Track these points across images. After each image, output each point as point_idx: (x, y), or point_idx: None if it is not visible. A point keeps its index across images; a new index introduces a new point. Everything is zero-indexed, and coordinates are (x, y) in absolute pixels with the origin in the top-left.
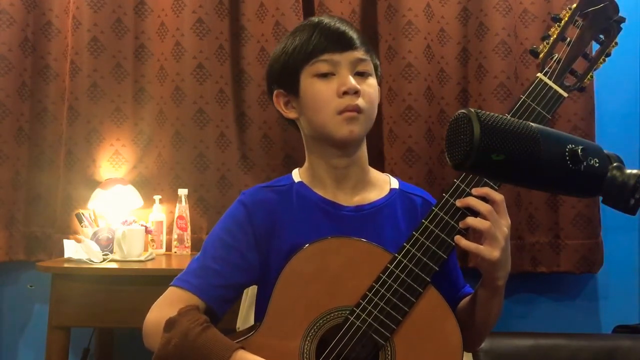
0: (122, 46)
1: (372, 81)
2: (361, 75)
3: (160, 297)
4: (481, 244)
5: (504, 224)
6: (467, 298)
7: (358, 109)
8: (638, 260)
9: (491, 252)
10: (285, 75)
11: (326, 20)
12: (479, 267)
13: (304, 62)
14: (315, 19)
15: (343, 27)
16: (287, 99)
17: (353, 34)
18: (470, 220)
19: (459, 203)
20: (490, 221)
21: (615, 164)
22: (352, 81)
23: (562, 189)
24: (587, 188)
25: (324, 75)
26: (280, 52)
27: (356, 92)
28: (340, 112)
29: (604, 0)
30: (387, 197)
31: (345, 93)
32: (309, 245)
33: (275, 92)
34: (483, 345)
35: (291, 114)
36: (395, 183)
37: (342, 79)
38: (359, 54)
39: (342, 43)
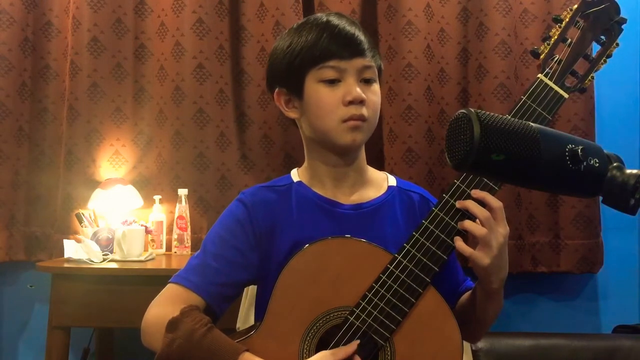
0: (122, 46)
1: (376, 87)
2: (366, 82)
3: (160, 294)
4: (475, 249)
5: (501, 233)
6: (467, 294)
7: (363, 118)
8: (638, 260)
9: (482, 258)
10: (289, 76)
11: (335, 20)
12: (473, 270)
13: (310, 65)
14: (323, 17)
15: (352, 31)
16: (289, 98)
17: (361, 38)
18: (468, 224)
19: (458, 205)
20: (487, 228)
21: (615, 164)
22: (358, 90)
23: (562, 189)
24: (587, 188)
25: (330, 82)
26: (284, 51)
27: (361, 102)
28: (345, 121)
29: (604, 1)
30: (385, 195)
31: (350, 102)
32: (309, 245)
33: (276, 90)
34: (483, 345)
35: (292, 114)
36: (392, 181)
37: (348, 88)
38: (366, 60)
39: (350, 49)
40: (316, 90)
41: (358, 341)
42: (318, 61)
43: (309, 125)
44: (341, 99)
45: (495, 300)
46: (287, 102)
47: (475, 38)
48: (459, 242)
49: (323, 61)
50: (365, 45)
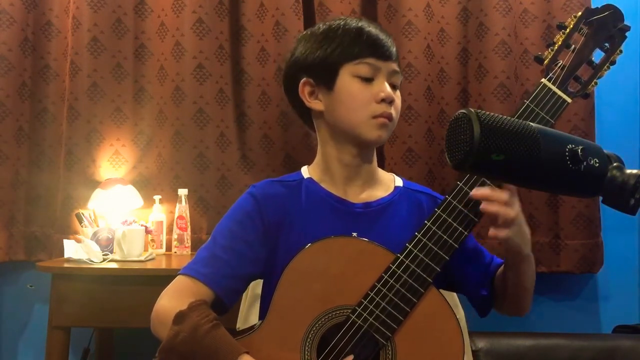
0: (122, 46)
1: (399, 94)
2: (393, 87)
3: (170, 285)
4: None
5: (518, 208)
6: (501, 271)
7: (390, 117)
8: (638, 260)
9: (516, 235)
10: (322, 67)
11: (367, 27)
12: (505, 246)
13: (347, 59)
14: (355, 23)
15: (387, 38)
16: (313, 90)
17: (392, 44)
18: (497, 208)
19: (474, 193)
20: (510, 206)
21: (615, 164)
22: (390, 90)
23: (562, 189)
24: (587, 188)
25: (365, 79)
26: (319, 43)
27: (391, 101)
28: (375, 117)
29: (608, 8)
30: (392, 195)
31: (383, 100)
32: (311, 244)
33: (302, 80)
34: (483, 345)
35: (315, 105)
36: (399, 181)
37: (381, 86)
38: (396, 66)
39: (385, 52)
40: (350, 84)
41: (351, 357)
42: (357, 56)
43: (335, 117)
44: (374, 96)
45: (530, 262)
46: (310, 94)
47: (475, 38)
48: (492, 230)
49: (362, 57)
50: (396, 54)
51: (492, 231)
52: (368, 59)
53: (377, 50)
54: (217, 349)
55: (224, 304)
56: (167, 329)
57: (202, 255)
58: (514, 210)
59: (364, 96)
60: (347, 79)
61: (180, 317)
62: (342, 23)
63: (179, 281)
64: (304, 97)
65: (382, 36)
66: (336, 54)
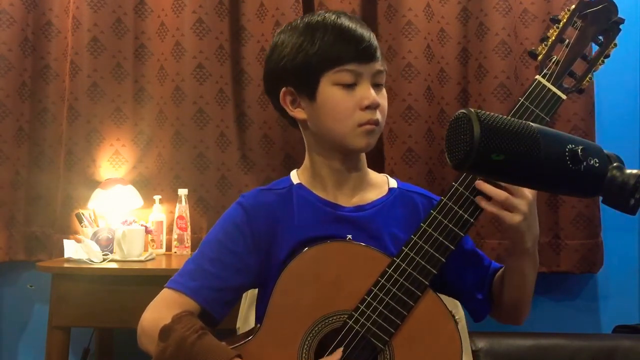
0: (122, 46)
1: (385, 92)
2: (377, 86)
3: (156, 298)
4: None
5: (526, 194)
6: (500, 274)
7: (377, 123)
8: (638, 260)
9: (512, 217)
10: (302, 76)
11: (348, 23)
12: (504, 232)
13: (327, 67)
14: (333, 17)
15: (368, 36)
16: (294, 98)
17: (376, 43)
18: (486, 187)
19: (477, 184)
20: (508, 191)
21: (615, 164)
22: (374, 95)
23: (562, 189)
24: (587, 188)
25: (347, 86)
26: (296, 50)
27: (377, 106)
28: (361, 125)
29: (603, 1)
30: (386, 197)
31: (367, 107)
32: (308, 249)
33: (283, 89)
34: (483, 345)
35: (299, 114)
36: (393, 183)
37: (365, 92)
38: (379, 65)
39: (367, 54)
40: (332, 93)
41: (341, 348)
42: (336, 64)
43: (320, 127)
44: (358, 103)
45: (532, 261)
46: (292, 102)
47: (475, 38)
48: (484, 203)
49: (341, 64)
50: (379, 51)
51: (487, 204)
52: (349, 65)
53: (358, 53)
54: (207, 358)
55: (212, 317)
56: (152, 342)
57: (189, 267)
58: (505, 194)
59: (347, 105)
60: (329, 88)
61: (165, 332)
62: (320, 20)
63: (165, 294)
64: (285, 107)
65: (362, 36)
66: (315, 62)
